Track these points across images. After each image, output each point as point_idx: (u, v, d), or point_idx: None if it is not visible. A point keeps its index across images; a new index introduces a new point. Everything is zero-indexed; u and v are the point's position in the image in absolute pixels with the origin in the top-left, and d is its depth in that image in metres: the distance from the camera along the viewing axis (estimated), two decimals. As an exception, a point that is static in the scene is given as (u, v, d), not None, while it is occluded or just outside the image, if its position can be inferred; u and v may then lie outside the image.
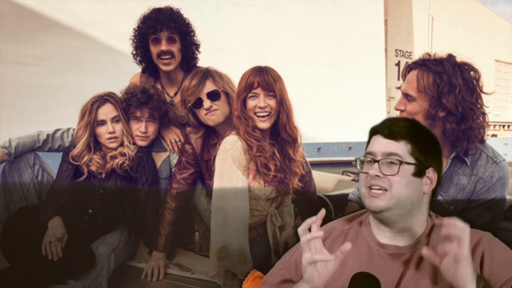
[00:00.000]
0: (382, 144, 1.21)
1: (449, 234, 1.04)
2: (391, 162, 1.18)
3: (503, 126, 15.09)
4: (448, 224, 1.05)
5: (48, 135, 2.28)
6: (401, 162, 1.18)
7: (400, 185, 1.17)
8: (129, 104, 2.19)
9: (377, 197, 1.18)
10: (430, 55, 1.72)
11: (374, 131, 1.25)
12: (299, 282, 1.18)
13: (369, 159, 1.22)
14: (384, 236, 1.24)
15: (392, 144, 1.20)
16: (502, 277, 1.12)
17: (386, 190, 1.18)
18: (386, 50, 9.85)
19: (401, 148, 1.20)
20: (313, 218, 1.12)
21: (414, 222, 1.22)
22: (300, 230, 1.12)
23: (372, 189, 1.19)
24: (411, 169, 1.19)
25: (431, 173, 1.22)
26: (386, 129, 1.22)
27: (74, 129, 2.26)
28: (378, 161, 1.19)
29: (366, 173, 1.21)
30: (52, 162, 2.36)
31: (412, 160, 1.19)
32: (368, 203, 1.19)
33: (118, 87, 2.28)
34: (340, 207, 2.64)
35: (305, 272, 1.13)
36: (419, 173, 1.20)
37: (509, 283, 1.11)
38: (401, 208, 1.18)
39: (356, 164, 1.26)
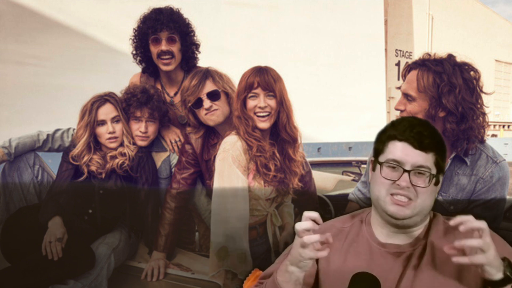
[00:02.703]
0: (412, 154, 1.17)
1: (470, 227, 1.04)
2: (420, 173, 1.17)
3: (503, 126, 15.08)
4: (464, 220, 1.05)
5: (48, 135, 2.28)
6: (431, 176, 1.17)
7: (426, 196, 1.17)
8: (129, 104, 2.19)
9: (403, 206, 1.16)
10: (430, 55, 1.72)
11: (397, 138, 1.20)
12: (286, 265, 1.17)
13: (393, 165, 1.19)
14: (385, 235, 1.24)
15: (422, 156, 1.17)
16: None
17: (410, 199, 1.17)
18: (386, 50, 9.85)
19: (429, 160, 1.18)
20: (312, 216, 1.12)
21: (421, 224, 1.23)
22: (300, 229, 1.12)
23: (396, 196, 1.17)
24: (434, 179, 1.19)
25: (441, 178, 1.23)
26: (416, 140, 1.18)
27: (74, 129, 2.26)
28: (408, 172, 1.16)
29: (393, 180, 1.17)
30: (52, 162, 2.36)
31: (435, 171, 1.19)
32: (393, 211, 1.17)
33: (118, 87, 2.28)
34: (340, 207, 2.65)
35: (302, 263, 1.13)
36: (438, 181, 1.21)
37: None
38: (421, 216, 1.19)
39: (376, 165, 1.22)
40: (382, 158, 1.21)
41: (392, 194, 1.17)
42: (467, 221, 1.04)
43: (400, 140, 1.19)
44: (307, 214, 1.13)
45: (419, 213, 1.18)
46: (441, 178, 1.23)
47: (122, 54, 3.34)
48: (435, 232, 1.22)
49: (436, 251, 1.18)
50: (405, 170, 1.16)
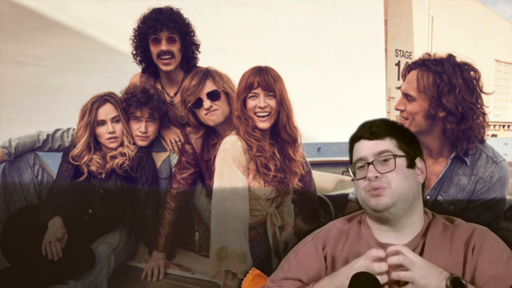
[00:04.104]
0: (369, 146, 1.23)
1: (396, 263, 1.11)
2: (384, 160, 1.20)
3: (503, 126, 15.08)
4: (390, 253, 1.13)
5: (48, 135, 2.28)
6: (394, 156, 1.20)
7: (398, 180, 1.19)
8: (129, 104, 2.19)
9: (380, 194, 1.18)
10: (430, 55, 1.72)
11: (355, 139, 1.28)
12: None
13: (361, 164, 1.23)
14: (384, 236, 1.24)
15: (379, 143, 1.23)
16: (488, 273, 1.12)
17: (385, 188, 1.19)
18: (386, 50, 9.85)
19: (388, 144, 1.23)
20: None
21: (414, 217, 1.23)
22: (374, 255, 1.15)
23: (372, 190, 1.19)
24: (403, 161, 1.22)
25: (419, 162, 1.26)
26: (367, 131, 1.25)
27: (74, 129, 2.26)
28: (371, 163, 1.20)
29: (363, 178, 1.21)
30: (52, 162, 2.36)
31: (401, 153, 1.22)
32: (374, 204, 1.19)
33: (118, 87, 2.28)
34: (340, 207, 2.64)
35: None
36: (411, 164, 1.23)
37: (494, 280, 1.10)
38: (404, 201, 1.20)
39: (350, 173, 1.26)
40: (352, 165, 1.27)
41: (369, 191, 1.20)
42: (391, 258, 1.12)
43: (356, 140, 1.27)
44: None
45: (399, 199, 1.19)
46: (418, 162, 1.25)
47: (122, 54, 3.34)
48: (433, 233, 1.22)
49: (434, 251, 1.18)
50: (368, 163, 1.21)
